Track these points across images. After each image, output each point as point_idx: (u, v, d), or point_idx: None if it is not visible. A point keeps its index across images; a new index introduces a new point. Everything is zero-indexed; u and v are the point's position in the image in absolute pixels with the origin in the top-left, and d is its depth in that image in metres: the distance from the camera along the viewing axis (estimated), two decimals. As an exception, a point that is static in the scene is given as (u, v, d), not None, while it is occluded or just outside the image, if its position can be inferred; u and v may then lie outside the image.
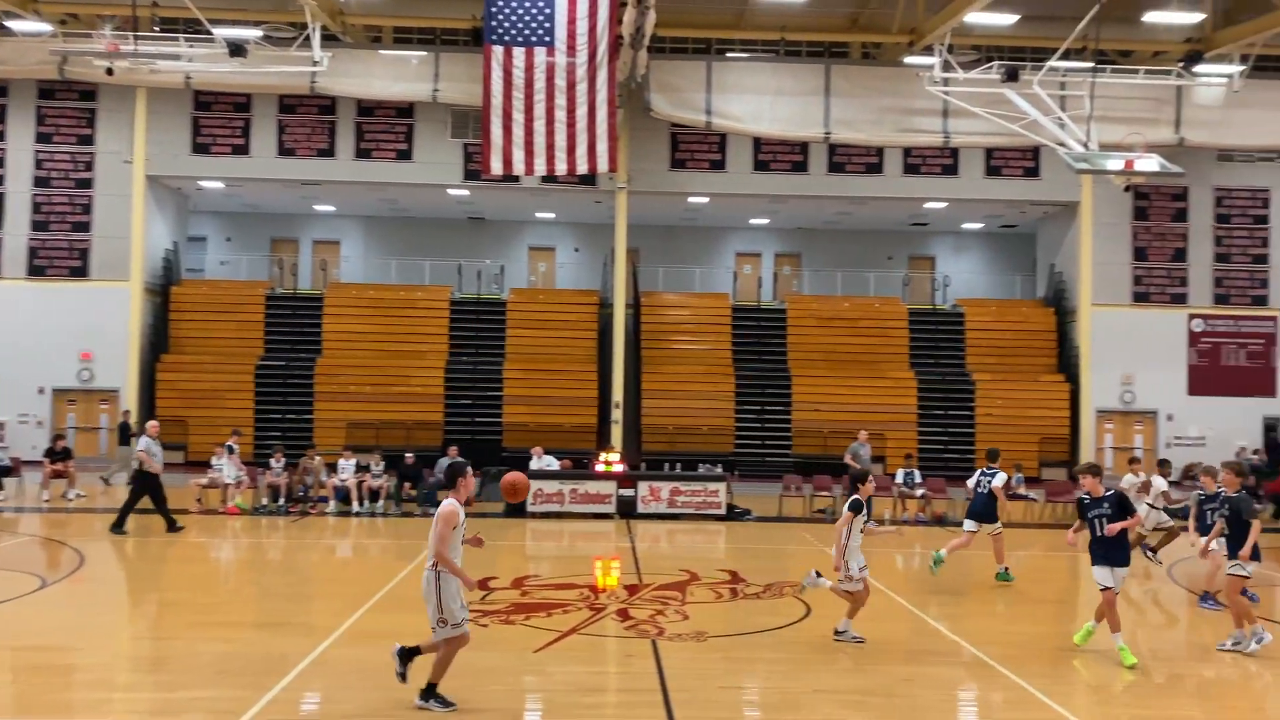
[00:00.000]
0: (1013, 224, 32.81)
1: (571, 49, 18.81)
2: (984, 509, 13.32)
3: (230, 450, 19.69)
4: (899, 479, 20.03)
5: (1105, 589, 8.93)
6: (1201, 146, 24.63)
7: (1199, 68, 22.33)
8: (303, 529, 17.58)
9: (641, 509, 18.63)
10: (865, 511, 9.70)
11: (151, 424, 16.77)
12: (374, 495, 19.18)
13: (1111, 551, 8.89)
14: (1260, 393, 29.66)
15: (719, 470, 20.26)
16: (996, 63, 21.03)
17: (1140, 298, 29.54)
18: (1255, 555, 9.42)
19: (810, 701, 7.83)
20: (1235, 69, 22.54)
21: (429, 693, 7.39)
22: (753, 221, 33.43)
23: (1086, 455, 29.05)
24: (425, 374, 28.80)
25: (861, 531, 9.74)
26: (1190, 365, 29.61)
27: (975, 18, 21.97)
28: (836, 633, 9.54)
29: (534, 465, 20.06)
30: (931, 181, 29.16)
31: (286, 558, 15.55)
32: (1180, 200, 29.48)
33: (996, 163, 29.00)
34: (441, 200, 30.49)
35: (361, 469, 19.54)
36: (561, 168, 19.09)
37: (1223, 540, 9.78)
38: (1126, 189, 19.12)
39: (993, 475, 13.35)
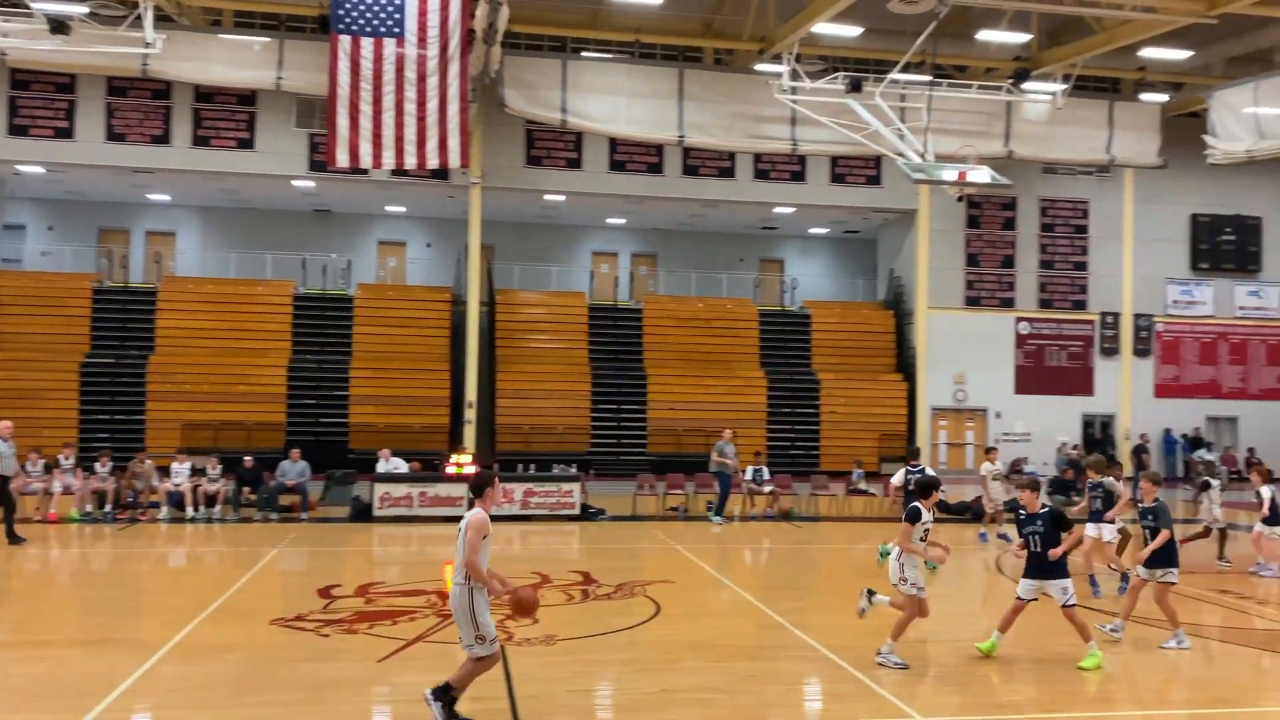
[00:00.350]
0: (856, 229, 34.09)
1: (422, 41, 18.40)
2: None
3: (59, 462, 18.31)
4: (749, 476, 20.46)
5: (1020, 599, 9.06)
6: (1028, 159, 26.16)
7: (1027, 85, 23.69)
8: (131, 537, 16.59)
9: (493, 511, 18.36)
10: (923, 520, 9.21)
11: (4, 424, 15.27)
12: (210, 500, 18.28)
13: (1046, 566, 8.97)
14: (1079, 391, 31.76)
15: (573, 470, 20.22)
16: (842, 74, 21.74)
17: (972, 301, 31.18)
18: (1169, 560, 9.79)
19: (657, 701, 7.88)
20: (1059, 87, 24.02)
21: (441, 694, 6.99)
22: (610, 221, 33.57)
23: (923, 450, 30.43)
24: (267, 373, 27.70)
25: (922, 540, 9.29)
26: (1017, 365, 31.45)
27: (822, 29, 22.69)
28: (879, 654, 8.96)
29: (381, 468, 19.54)
30: (781, 187, 30.00)
31: (113, 568, 14.63)
32: (1009, 210, 31.28)
33: (841, 171, 30.09)
34: (285, 191, 29.37)
35: (197, 472, 18.58)
36: (411, 162, 18.65)
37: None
38: (960, 199, 20.09)
39: (920, 471, 13.94)
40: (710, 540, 16.99)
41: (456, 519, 18.97)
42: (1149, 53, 25.43)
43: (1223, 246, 32.43)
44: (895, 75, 21.60)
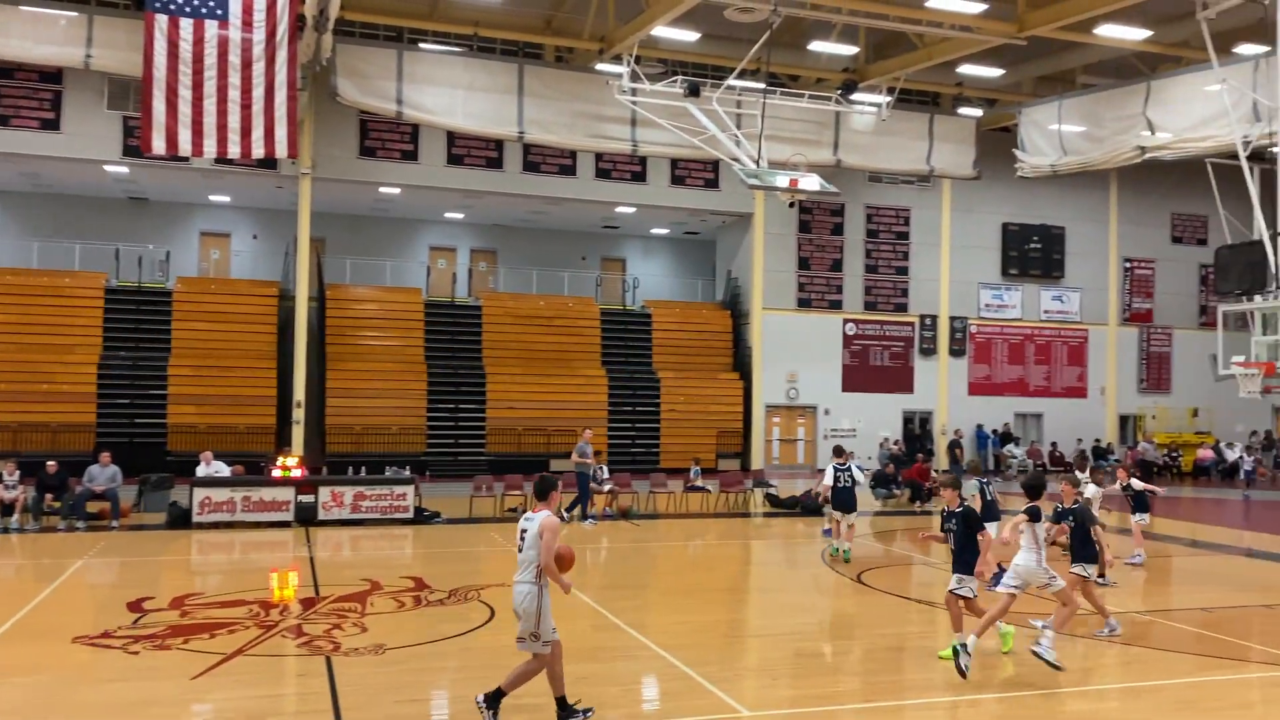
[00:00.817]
0: (696, 231, 34.71)
1: (248, 25, 17.52)
2: (848, 500, 14.88)
3: None
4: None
5: (951, 592, 9.19)
6: (855, 168, 27.26)
7: (855, 96, 24.65)
8: (-88, 552, 15.15)
9: (323, 515, 17.76)
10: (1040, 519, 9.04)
11: None
12: (7, 509, 16.88)
13: (963, 561, 9.15)
14: (901, 389, 33.36)
15: (407, 472, 19.73)
16: (680, 77, 22.05)
17: (804, 303, 32.28)
18: (1090, 556, 10.26)
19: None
20: (884, 99, 25.12)
21: (495, 700, 7.07)
22: (448, 215, 32.99)
23: (757, 447, 31.33)
24: (74, 370, 25.89)
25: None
26: (845, 364, 32.76)
27: (661, 32, 22.97)
28: (1038, 645, 8.76)
29: (201, 471, 18.54)
30: (622, 187, 30.22)
31: (-111, 587, 13.31)
32: (838, 216, 32.53)
33: (681, 173, 30.58)
34: (97, 177, 27.48)
35: (-9, 479, 17.12)
36: (235, 151, 17.74)
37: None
38: (791, 205, 20.71)
39: (848, 469, 15.07)
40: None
41: (283, 524, 18.19)
42: (966, 69, 26.95)
43: (1030, 254, 34.73)
44: (732, 81, 22.06)
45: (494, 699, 7.19)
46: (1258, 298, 16.86)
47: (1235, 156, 18.83)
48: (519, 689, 7.35)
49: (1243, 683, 9.08)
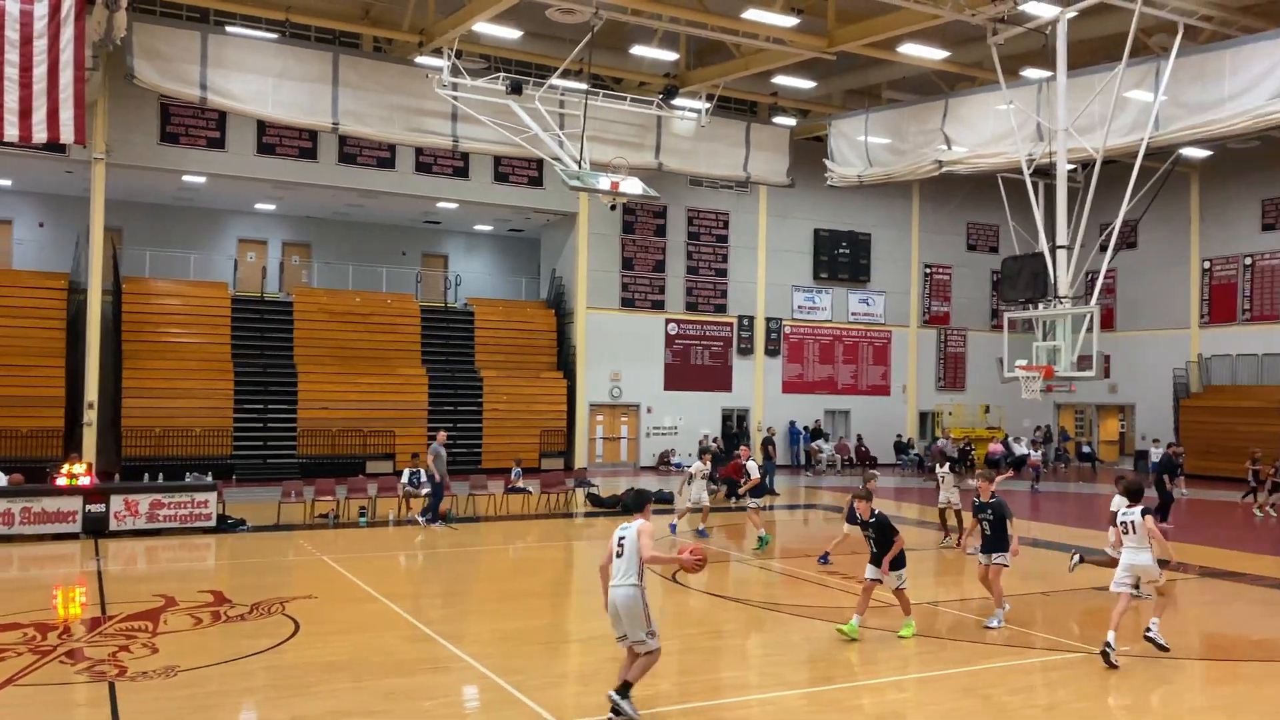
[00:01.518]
0: (520, 229, 34.49)
1: (27, -3, 16.08)
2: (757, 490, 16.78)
3: None
4: (404, 479, 19.99)
5: (872, 580, 10.55)
6: (677, 172, 27.73)
7: (676, 101, 25.08)
8: None
9: (115, 526, 16.59)
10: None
11: None
12: None
13: (879, 560, 10.46)
14: (720, 387, 34.25)
15: (209, 478, 18.69)
16: (503, 74, 21.83)
17: (627, 303, 32.63)
18: (1003, 546, 11.18)
19: (288, 732, 7.46)
20: (703, 105, 25.66)
21: (625, 691, 7.63)
22: (258, 206, 31.50)
23: (581, 446, 31.46)
24: None
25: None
26: (666, 364, 33.34)
27: (483, 28, 22.67)
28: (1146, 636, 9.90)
29: (-25, 481, 16.97)
30: (443, 182, 29.68)
31: None
32: (661, 218, 33.06)
33: (505, 170, 30.31)
34: None
35: None
36: (13, 133, 16.26)
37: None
38: (612, 208, 20.87)
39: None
40: (361, 550, 16.42)
41: (70, 536, 16.92)
42: (781, 80, 27.88)
43: (840, 259, 36.35)
44: (554, 81, 22.01)
45: (624, 690, 7.69)
46: (1040, 305, 18.24)
47: (1022, 172, 20.28)
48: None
49: (1024, 667, 9.78)
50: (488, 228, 34.76)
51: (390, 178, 28.91)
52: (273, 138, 27.13)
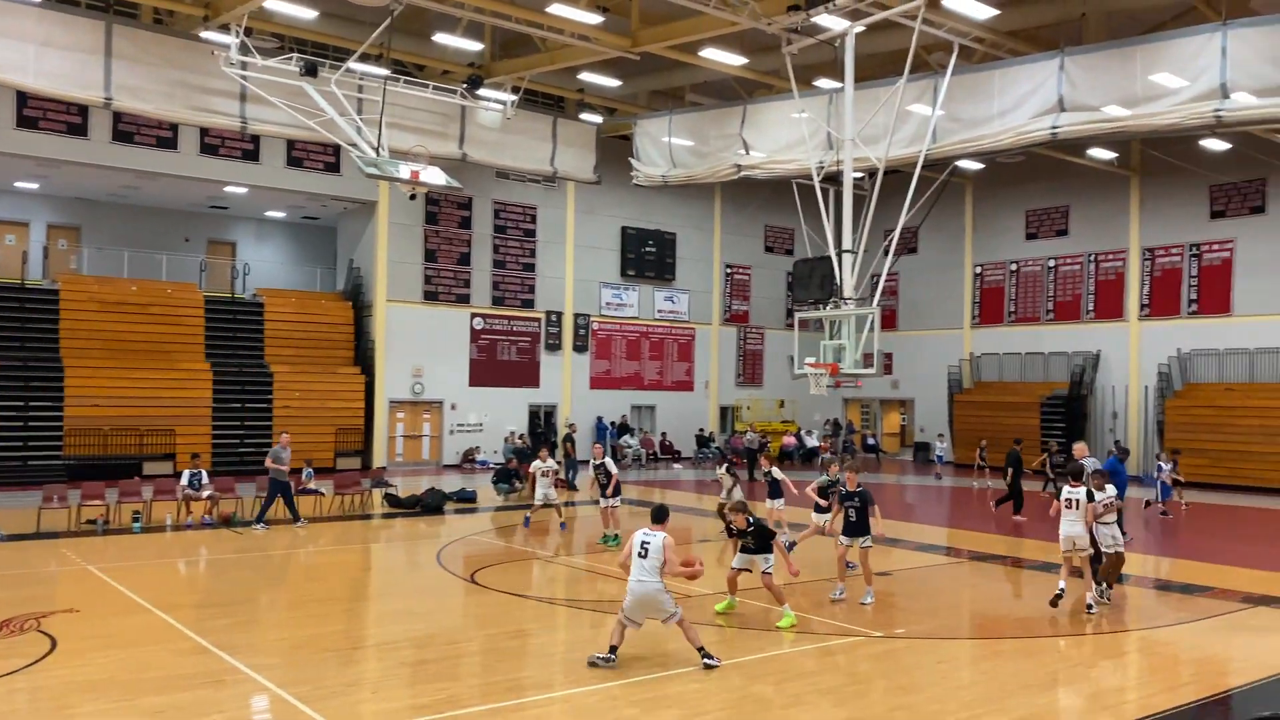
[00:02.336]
0: (315, 216, 33.08)
1: None
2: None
3: None
4: (184, 480, 18.72)
5: (734, 568, 11.57)
6: (482, 163, 27.30)
7: (481, 91, 24.69)
8: None
9: None
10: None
11: None
12: None
13: (753, 549, 11.28)
14: (527, 384, 34.07)
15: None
16: (297, 55, 20.82)
17: (430, 296, 31.91)
18: (865, 530, 12.29)
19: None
20: (510, 97, 25.38)
21: (705, 652, 9.26)
22: (18, 185, 28.80)
23: (380, 444, 30.56)
24: None
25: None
26: (472, 359, 32.84)
27: (276, 5, 21.55)
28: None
29: None
30: (231, 165, 28.08)
31: None
32: (466, 210, 32.52)
33: (299, 154, 28.98)
34: None
35: None
36: None
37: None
38: (412, 197, 20.28)
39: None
40: (134, 558, 15.27)
41: None
42: (587, 77, 27.97)
43: (646, 257, 36.91)
44: (352, 65, 21.19)
45: (703, 652, 9.26)
46: (828, 306, 19.11)
47: (813, 179, 21.16)
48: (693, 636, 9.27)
49: (812, 652, 10.19)
50: (280, 214, 33.13)
51: (172, 159, 27.05)
52: (35, 110, 24.82)
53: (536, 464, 18.67)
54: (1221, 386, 30.62)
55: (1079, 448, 15.34)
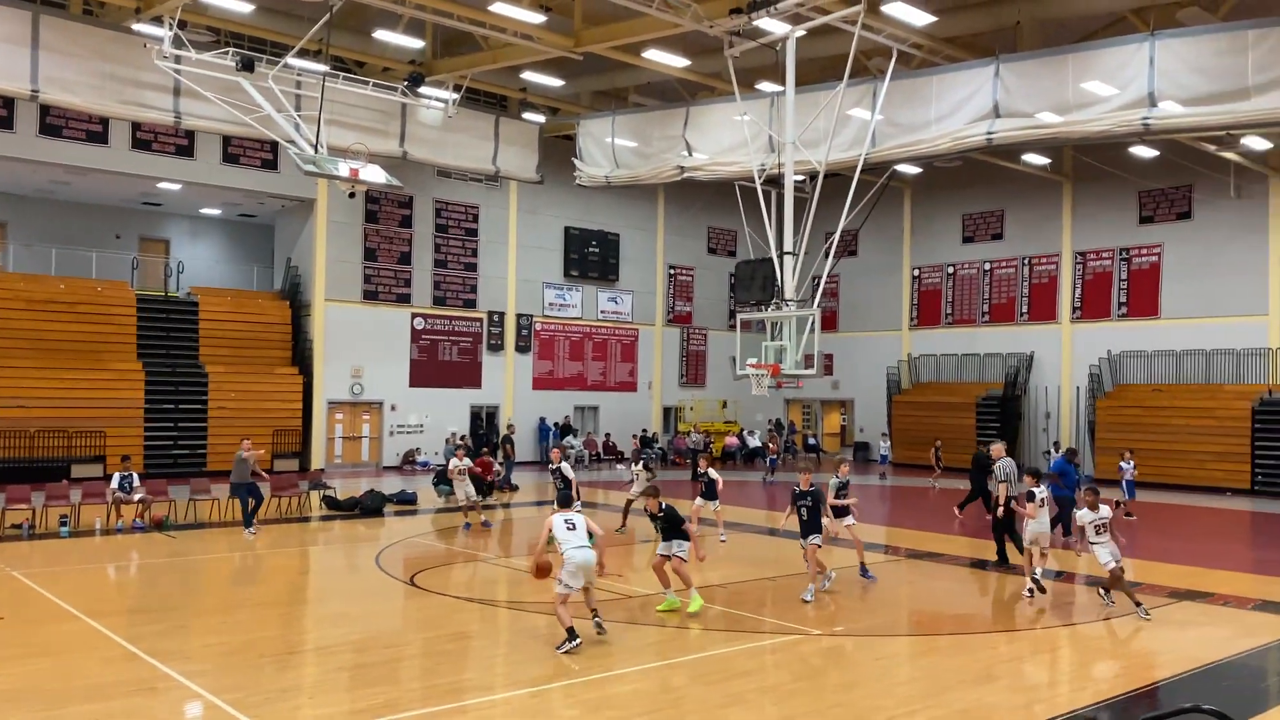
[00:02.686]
0: (252, 214, 32.49)
1: None
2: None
3: None
4: (115, 484, 18.24)
5: (660, 555, 11.82)
6: (423, 162, 27.02)
7: (422, 89, 24.43)
8: None
9: None
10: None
11: None
12: None
13: (671, 536, 11.70)
14: (469, 384, 33.83)
15: None
16: (233, 50, 20.42)
17: (370, 296, 31.52)
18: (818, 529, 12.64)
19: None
20: (451, 96, 25.17)
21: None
22: (-62, 180, 27.79)
23: (318, 445, 30.11)
24: None
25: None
26: (412, 359, 32.50)
27: (210, -3, 21.13)
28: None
29: None
30: (165, 161, 27.47)
31: None
32: (406, 208, 32.18)
33: (235, 151, 28.44)
34: None
35: None
36: None
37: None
38: (351, 195, 20.00)
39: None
40: (62, 563, 14.85)
41: None
42: (530, 76, 27.85)
43: (590, 257, 36.86)
44: (290, 60, 20.84)
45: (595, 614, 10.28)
46: (770, 307, 19.25)
47: (755, 181, 21.32)
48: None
49: (750, 651, 10.26)
50: (215, 212, 32.47)
51: (102, 154, 26.37)
52: (-43, 102, 24.04)
53: (454, 463, 18.89)
54: (1150, 387, 31.50)
55: (996, 448, 15.73)
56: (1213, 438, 28.46)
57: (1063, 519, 16.66)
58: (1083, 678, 9.62)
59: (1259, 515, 21.02)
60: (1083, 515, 12.07)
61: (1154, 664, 10.10)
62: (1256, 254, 29.87)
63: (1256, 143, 27.22)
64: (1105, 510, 12.06)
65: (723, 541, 16.97)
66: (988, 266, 36.05)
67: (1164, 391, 31.00)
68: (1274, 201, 29.54)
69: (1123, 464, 22.48)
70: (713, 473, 17.11)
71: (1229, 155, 28.08)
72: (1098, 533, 11.91)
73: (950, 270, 37.09)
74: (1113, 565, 11.85)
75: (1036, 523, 12.91)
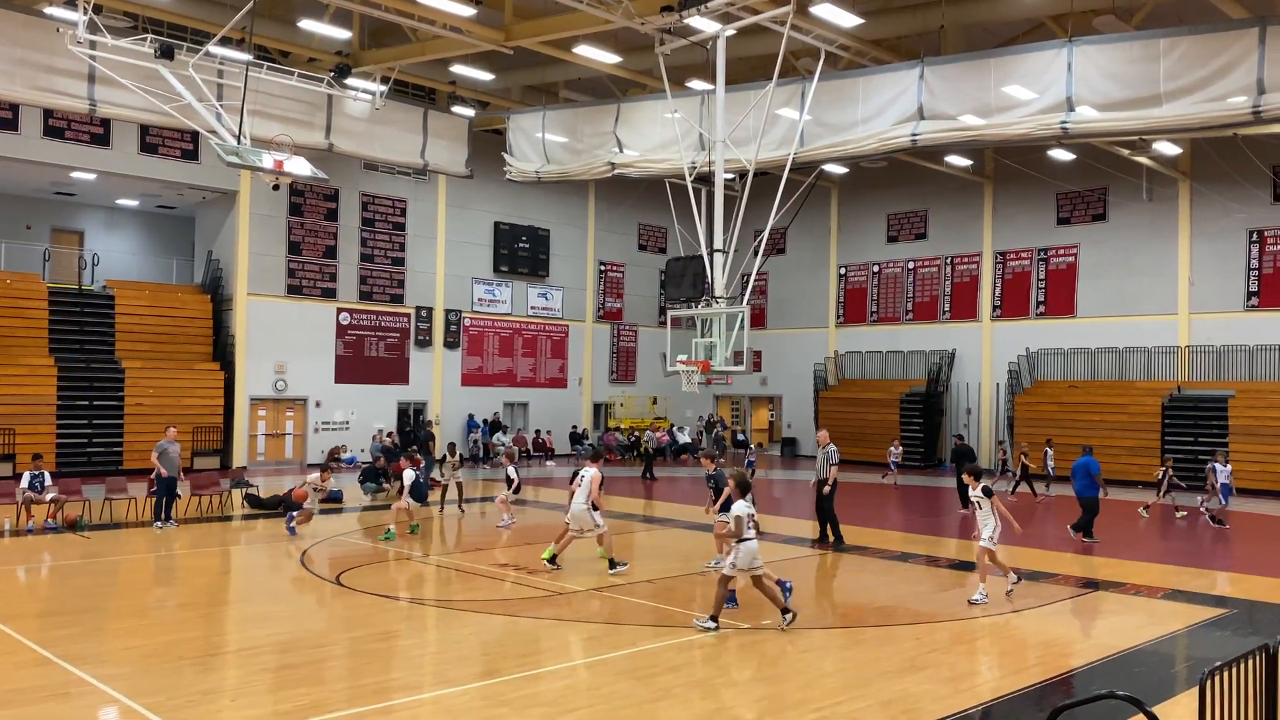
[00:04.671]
0: (171, 205, 31.62)
1: None
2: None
3: None
4: (24, 483, 17.61)
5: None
6: (349, 154, 26.51)
7: (349, 81, 24.02)
8: None
9: None
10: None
11: None
12: None
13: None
14: (396, 380, 33.41)
15: None
16: (152, 36, 19.83)
17: (294, 290, 30.92)
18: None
19: None
20: (378, 88, 24.80)
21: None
22: None
23: (240, 443, 29.44)
24: None
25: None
26: (338, 355, 31.98)
27: (128, -18, 20.48)
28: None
29: None
30: (79, 150, 26.58)
31: None
32: (332, 201, 31.63)
33: (153, 140, 27.65)
34: None
35: None
36: None
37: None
38: (275, 188, 19.58)
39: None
40: None
41: None
42: (460, 69, 27.58)
43: (520, 253, 36.66)
44: (212, 48, 20.30)
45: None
46: (699, 304, 19.36)
47: (685, 178, 21.41)
48: None
49: (678, 646, 10.32)
50: (133, 203, 31.51)
51: (12, 141, 25.41)
52: None
53: (375, 446, 18.90)
54: (1066, 384, 32.48)
55: (822, 435, 17.66)
56: (1125, 432, 29.45)
57: (1085, 522, 17.48)
58: (1003, 667, 9.89)
59: (1168, 508, 21.82)
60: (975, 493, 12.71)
61: (1070, 652, 10.42)
62: (1167, 255, 30.99)
63: (1168, 148, 28.24)
64: (984, 488, 12.61)
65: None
66: (912, 265, 36.76)
67: (1079, 388, 31.99)
68: (1184, 205, 30.68)
69: (1219, 465, 20.71)
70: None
71: (1142, 160, 29.08)
72: (979, 507, 12.61)
73: (876, 269, 37.74)
74: (983, 543, 12.46)
75: (990, 525, 12.48)
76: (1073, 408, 31.14)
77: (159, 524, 17.56)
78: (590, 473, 13.79)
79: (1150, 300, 31.23)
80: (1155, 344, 31.06)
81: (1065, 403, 31.47)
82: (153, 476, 18.21)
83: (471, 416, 34.75)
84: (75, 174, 27.47)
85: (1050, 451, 26.32)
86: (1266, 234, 29.25)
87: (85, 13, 19.30)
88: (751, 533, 10.88)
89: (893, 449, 29.61)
